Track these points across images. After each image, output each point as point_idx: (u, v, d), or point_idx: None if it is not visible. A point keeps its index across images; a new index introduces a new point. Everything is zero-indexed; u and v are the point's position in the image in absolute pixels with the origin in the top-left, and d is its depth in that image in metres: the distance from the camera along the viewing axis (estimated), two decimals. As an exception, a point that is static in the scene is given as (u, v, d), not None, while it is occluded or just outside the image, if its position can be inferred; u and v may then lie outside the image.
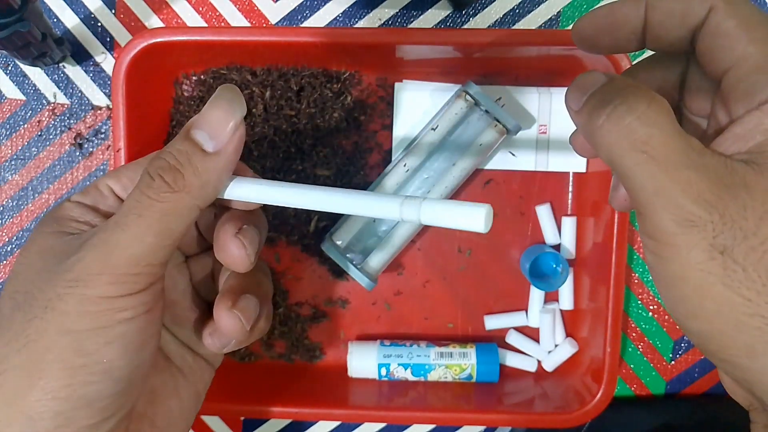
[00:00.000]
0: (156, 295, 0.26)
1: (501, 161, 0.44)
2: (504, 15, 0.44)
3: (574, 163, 0.44)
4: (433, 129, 0.41)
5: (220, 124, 0.26)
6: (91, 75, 0.45)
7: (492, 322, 0.45)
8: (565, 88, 0.44)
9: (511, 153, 0.44)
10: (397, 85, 0.43)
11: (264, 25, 0.44)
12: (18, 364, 0.23)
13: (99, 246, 0.24)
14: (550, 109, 0.43)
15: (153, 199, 0.25)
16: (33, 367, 0.23)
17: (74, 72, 0.45)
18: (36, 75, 0.45)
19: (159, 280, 0.26)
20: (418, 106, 0.44)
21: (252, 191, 0.27)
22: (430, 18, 0.44)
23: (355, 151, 0.44)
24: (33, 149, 0.45)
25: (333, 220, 0.43)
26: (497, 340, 0.46)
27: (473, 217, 0.23)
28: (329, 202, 0.26)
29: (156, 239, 0.24)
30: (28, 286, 0.25)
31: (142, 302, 0.25)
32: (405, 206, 0.24)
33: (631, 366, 0.46)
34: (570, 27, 0.44)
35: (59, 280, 0.24)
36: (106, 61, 0.45)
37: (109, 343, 0.24)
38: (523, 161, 0.44)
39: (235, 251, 0.28)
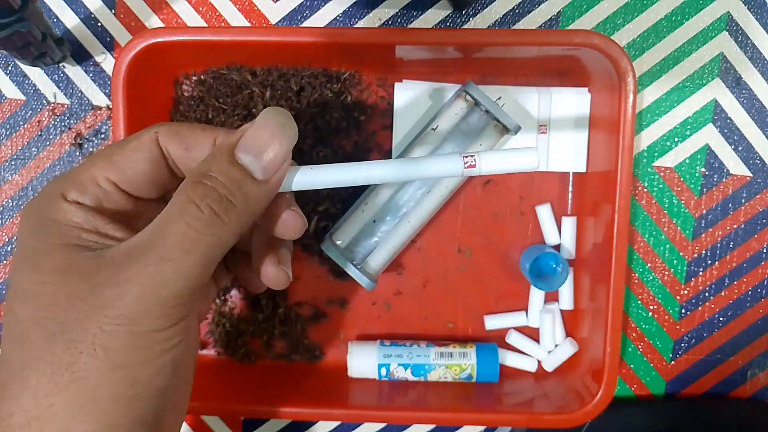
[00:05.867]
0: (195, 315, 0.26)
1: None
2: (504, 15, 0.44)
3: (574, 163, 0.44)
4: (433, 129, 0.41)
5: (271, 150, 0.25)
6: (91, 75, 0.45)
7: (492, 322, 0.45)
8: (565, 88, 0.44)
9: None
10: (397, 85, 0.43)
11: (264, 25, 0.44)
12: (67, 399, 0.23)
13: (144, 283, 0.23)
14: (550, 109, 0.43)
15: (202, 233, 0.23)
16: (85, 401, 0.23)
17: (74, 72, 0.45)
18: (36, 75, 0.45)
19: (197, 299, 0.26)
20: (418, 106, 0.44)
21: (315, 178, 0.27)
22: (430, 18, 0.44)
23: (355, 151, 0.44)
24: (33, 149, 0.45)
25: (333, 220, 0.43)
26: (497, 340, 0.46)
27: (528, 159, 0.26)
28: (393, 173, 0.27)
29: (203, 271, 0.24)
30: (58, 313, 0.23)
31: (185, 327, 0.25)
32: (465, 162, 0.27)
33: (631, 366, 0.46)
34: (570, 26, 0.44)
35: (101, 316, 0.23)
36: (106, 61, 0.45)
37: (161, 370, 0.24)
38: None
39: (296, 223, 0.29)
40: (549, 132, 0.44)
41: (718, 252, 0.45)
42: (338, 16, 0.44)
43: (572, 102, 0.43)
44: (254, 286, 0.32)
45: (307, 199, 0.43)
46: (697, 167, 0.45)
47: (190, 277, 0.24)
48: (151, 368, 0.24)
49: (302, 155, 0.43)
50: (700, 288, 0.45)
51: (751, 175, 0.45)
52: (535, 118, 0.44)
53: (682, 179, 0.45)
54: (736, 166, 0.45)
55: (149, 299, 0.23)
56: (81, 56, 0.45)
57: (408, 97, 0.43)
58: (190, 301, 0.24)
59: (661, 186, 0.45)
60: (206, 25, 0.44)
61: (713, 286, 0.45)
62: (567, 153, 0.44)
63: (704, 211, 0.45)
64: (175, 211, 0.24)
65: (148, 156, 0.27)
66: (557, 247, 0.45)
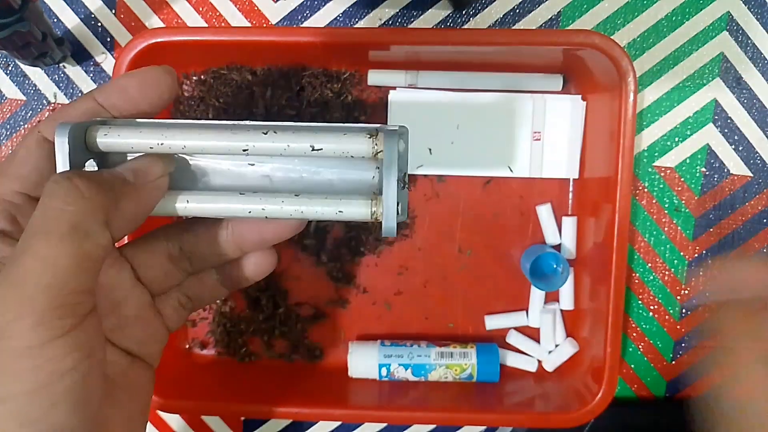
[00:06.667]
0: (93, 332, 0.22)
1: (496, 170, 0.44)
2: (504, 15, 0.44)
3: (568, 170, 0.44)
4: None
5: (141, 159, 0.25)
6: (92, 75, 0.45)
7: (492, 322, 0.45)
8: (559, 95, 0.44)
9: (509, 168, 0.44)
10: (391, 93, 0.43)
11: (264, 25, 0.44)
12: None
13: (5, 282, 0.20)
14: (544, 115, 0.43)
15: (59, 208, 0.21)
16: None
17: (74, 72, 0.45)
18: (36, 75, 0.45)
19: (92, 314, 0.22)
20: (413, 113, 0.44)
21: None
22: (430, 18, 0.44)
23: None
24: (33, 149, 0.45)
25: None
26: (498, 340, 0.46)
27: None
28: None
29: (72, 260, 0.20)
30: None
31: (80, 344, 0.21)
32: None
33: (632, 366, 0.46)
34: (571, 26, 0.44)
35: None
36: (106, 61, 0.45)
37: (55, 404, 0.20)
38: (518, 168, 0.44)
39: (269, 262, 0.30)
40: (543, 138, 0.44)
41: (718, 252, 0.45)
42: (338, 16, 0.44)
43: (566, 109, 0.43)
44: (238, 282, 0.32)
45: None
46: (698, 167, 0.45)
47: (56, 266, 0.20)
48: (41, 400, 0.20)
49: (302, 155, 0.43)
50: (701, 288, 0.45)
51: (751, 175, 0.45)
52: (530, 125, 0.43)
53: (682, 179, 0.45)
54: (736, 166, 0.45)
55: (14, 302, 0.20)
56: (81, 56, 0.45)
57: (402, 104, 0.43)
58: (72, 303, 0.20)
59: (661, 186, 0.45)
60: (206, 25, 0.44)
61: (713, 286, 0.45)
62: (561, 160, 0.44)
63: (704, 211, 0.45)
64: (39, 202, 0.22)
65: (42, 154, 0.25)
66: (558, 247, 0.45)
